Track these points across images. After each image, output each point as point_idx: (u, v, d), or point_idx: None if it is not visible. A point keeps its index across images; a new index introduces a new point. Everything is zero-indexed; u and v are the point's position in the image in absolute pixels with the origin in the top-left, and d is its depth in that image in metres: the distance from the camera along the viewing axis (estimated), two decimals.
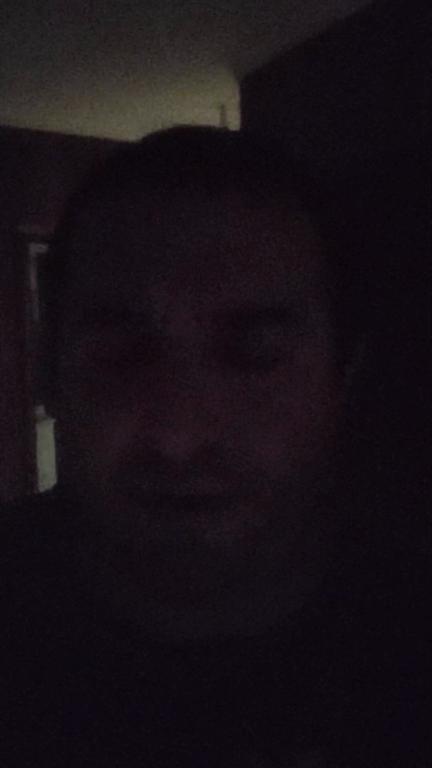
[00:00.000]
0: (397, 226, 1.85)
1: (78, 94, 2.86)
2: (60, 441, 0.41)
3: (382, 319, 1.78)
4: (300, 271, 0.38)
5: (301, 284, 0.38)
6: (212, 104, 2.90)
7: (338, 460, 0.43)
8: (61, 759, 0.40)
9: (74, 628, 0.43)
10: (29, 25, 2.20)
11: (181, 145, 0.40)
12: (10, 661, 0.43)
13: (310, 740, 0.40)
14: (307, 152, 2.20)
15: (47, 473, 3.62)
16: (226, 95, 2.79)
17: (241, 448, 0.36)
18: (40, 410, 3.48)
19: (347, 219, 0.43)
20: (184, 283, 0.36)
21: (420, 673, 0.42)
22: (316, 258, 0.39)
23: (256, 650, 0.42)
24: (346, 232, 0.42)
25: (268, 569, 0.41)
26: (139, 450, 0.36)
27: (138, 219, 0.37)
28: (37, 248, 3.40)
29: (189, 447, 0.34)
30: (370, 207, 1.83)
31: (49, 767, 0.40)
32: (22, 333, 3.40)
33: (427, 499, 1.68)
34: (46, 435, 3.66)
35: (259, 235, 0.37)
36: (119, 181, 0.39)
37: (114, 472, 0.37)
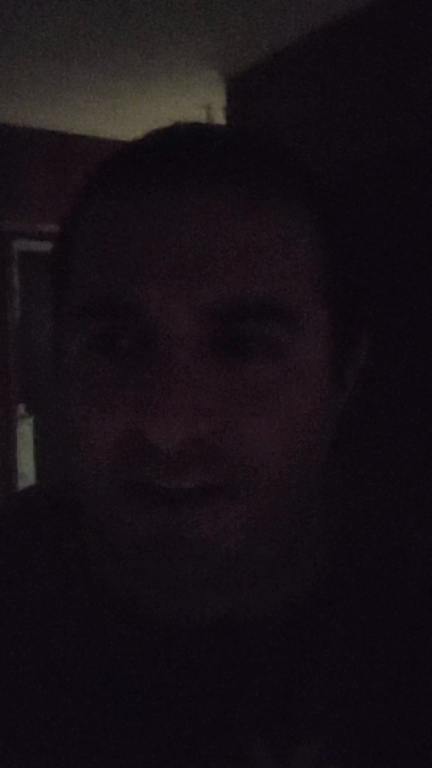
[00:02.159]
0: (386, 230, 1.86)
1: (63, 92, 2.85)
2: (63, 434, 0.41)
3: (384, 319, 1.79)
4: (298, 268, 0.38)
5: (299, 280, 0.38)
6: (198, 105, 2.89)
7: (340, 456, 0.43)
8: (63, 738, 0.41)
9: (79, 614, 0.44)
10: (12, 22, 2.18)
11: (179, 142, 0.40)
12: (17, 647, 0.44)
13: (311, 729, 0.41)
14: None
15: (27, 472, 3.59)
16: (213, 96, 2.79)
17: (232, 442, 0.36)
18: (21, 409, 3.46)
19: (347, 219, 0.43)
20: (179, 278, 0.36)
21: (419, 662, 0.42)
22: (315, 255, 0.39)
23: (257, 636, 0.42)
24: (347, 231, 0.42)
25: (262, 563, 0.41)
26: (132, 442, 0.36)
27: (135, 214, 0.38)
28: (20, 245, 3.38)
29: (178, 437, 0.34)
30: (361, 208, 1.84)
31: (51, 746, 0.41)
32: (5, 331, 3.37)
33: (429, 494, 1.69)
34: (26, 434, 3.64)
35: (257, 230, 0.37)
36: (118, 177, 0.39)
37: (108, 464, 0.37)
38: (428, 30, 1.90)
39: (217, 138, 0.42)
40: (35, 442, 3.74)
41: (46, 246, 3.40)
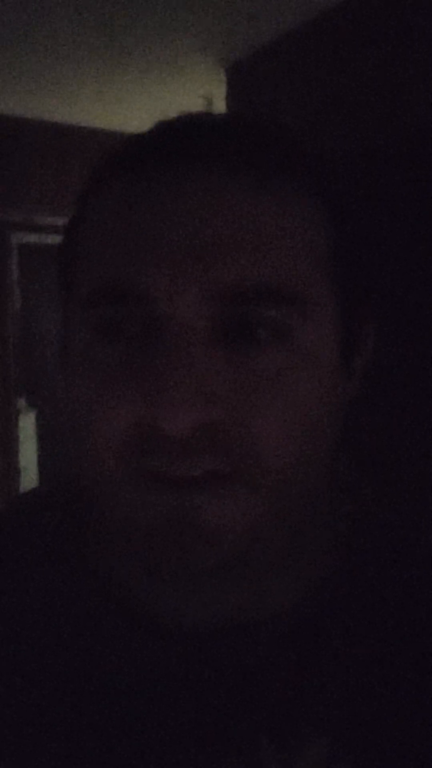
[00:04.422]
0: (386, 218, 1.85)
1: (62, 82, 2.83)
2: (68, 422, 0.41)
3: (391, 306, 1.78)
4: (307, 252, 0.38)
5: (308, 266, 0.38)
6: (197, 94, 2.88)
7: (347, 448, 0.43)
8: (64, 741, 0.41)
9: (84, 620, 0.44)
10: (9, 11, 2.17)
11: (185, 130, 0.40)
12: (18, 649, 0.43)
13: (318, 728, 0.40)
14: None
15: (28, 466, 3.59)
16: (212, 85, 2.77)
17: (241, 429, 0.36)
18: (21, 402, 3.46)
19: (354, 204, 0.43)
20: (188, 263, 0.36)
21: (427, 660, 0.42)
22: (323, 239, 0.39)
23: (263, 637, 0.42)
24: (354, 216, 0.42)
25: (270, 554, 0.41)
26: (142, 429, 0.36)
27: (141, 202, 0.38)
28: (18, 238, 3.37)
29: (188, 424, 0.34)
30: (362, 196, 1.83)
31: (53, 748, 0.41)
32: (4, 324, 3.36)
33: None
34: (27, 428, 3.64)
35: (265, 214, 0.37)
36: (128, 164, 0.40)
37: (117, 451, 0.37)
38: (430, 15, 1.88)
39: (221, 124, 0.42)
40: (37, 435, 3.74)
41: (45, 238, 3.40)
